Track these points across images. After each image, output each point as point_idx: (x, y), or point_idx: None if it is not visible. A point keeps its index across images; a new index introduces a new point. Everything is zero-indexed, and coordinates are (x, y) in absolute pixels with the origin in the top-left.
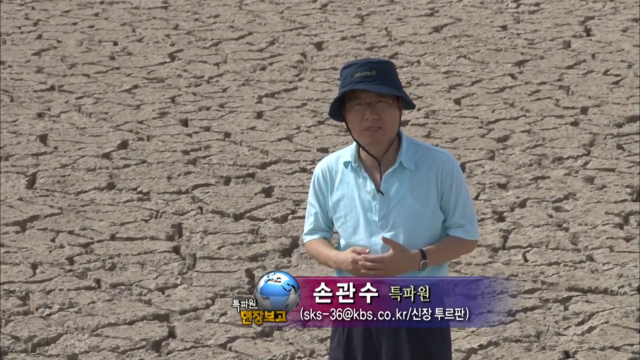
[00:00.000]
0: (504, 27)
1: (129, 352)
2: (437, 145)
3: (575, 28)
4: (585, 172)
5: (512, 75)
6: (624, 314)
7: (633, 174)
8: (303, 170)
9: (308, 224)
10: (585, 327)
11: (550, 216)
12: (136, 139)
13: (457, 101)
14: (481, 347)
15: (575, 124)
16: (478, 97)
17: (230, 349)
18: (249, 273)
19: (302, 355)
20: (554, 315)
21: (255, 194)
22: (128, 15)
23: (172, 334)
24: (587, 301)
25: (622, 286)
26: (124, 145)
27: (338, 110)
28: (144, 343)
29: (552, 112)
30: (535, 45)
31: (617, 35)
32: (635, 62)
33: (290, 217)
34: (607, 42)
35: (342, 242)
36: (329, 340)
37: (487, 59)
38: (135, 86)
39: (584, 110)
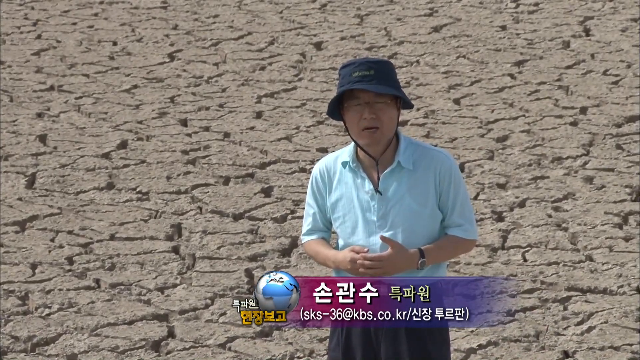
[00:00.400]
0: (503, 27)
1: (129, 352)
2: (436, 145)
3: (575, 28)
4: (584, 172)
5: (512, 75)
6: (623, 313)
7: (632, 173)
8: (302, 170)
9: (306, 224)
10: (585, 326)
11: (550, 216)
12: (135, 139)
13: (457, 101)
14: (480, 347)
15: (574, 123)
16: (477, 97)
17: (229, 349)
18: (249, 273)
19: (302, 355)
20: (553, 315)
21: (255, 194)
22: (127, 15)
23: (171, 334)
24: (586, 301)
25: (622, 286)
26: (123, 145)
27: (336, 109)
28: (143, 343)
29: (552, 112)
30: (534, 45)
31: (617, 35)
32: (634, 62)
33: (289, 217)
34: (607, 42)
35: (341, 242)
36: (328, 340)
37: (487, 59)
38: (135, 86)
39: (583, 110)
